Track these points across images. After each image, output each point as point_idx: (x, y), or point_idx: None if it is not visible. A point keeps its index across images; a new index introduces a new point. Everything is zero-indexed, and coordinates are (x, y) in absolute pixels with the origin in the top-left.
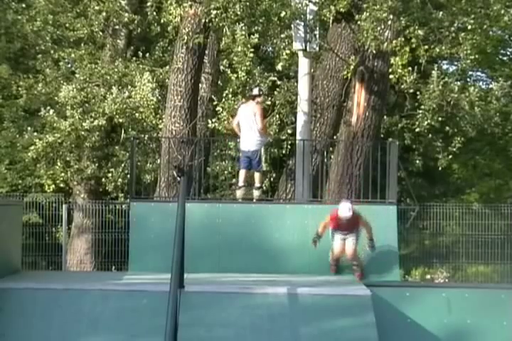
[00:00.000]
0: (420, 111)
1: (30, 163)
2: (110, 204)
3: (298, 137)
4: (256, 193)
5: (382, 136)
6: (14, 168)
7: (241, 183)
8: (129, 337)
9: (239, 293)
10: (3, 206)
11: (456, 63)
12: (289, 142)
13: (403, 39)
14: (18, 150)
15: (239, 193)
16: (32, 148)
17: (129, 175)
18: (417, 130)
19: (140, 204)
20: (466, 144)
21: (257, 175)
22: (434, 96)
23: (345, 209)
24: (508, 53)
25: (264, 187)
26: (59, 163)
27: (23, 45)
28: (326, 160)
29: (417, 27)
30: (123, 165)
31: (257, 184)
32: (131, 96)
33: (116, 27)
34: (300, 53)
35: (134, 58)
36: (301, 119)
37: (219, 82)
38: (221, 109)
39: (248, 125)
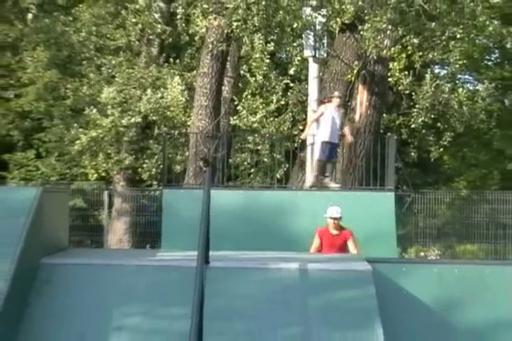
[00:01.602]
0: (415, 110)
1: (76, 155)
2: (145, 190)
3: (308, 132)
4: (327, 180)
5: (381, 131)
6: (62, 160)
7: (328, 173)
8: (160, 306)
9: (256, 268)
10: (53, 192)
11: (446, 67)
12: (300, 136)
13: (400, 46)
14: (65, 144)
15: (316, 182)
16: (78, 142)
17: (161, 166)
18: (413, 126)
19: (171, 190)
20: (455, 138)
21: (329, 165)
22: (427, 96)
23: (333, 211)
24: (492, 59)
25: (278, 176)
26: (101, 155)
27: (70, 53)
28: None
29: (412, 36)
30: (156, 157)
31: (328, 173)
32: (163, 97)
33: (151, 37)
34: (310, 59)
35: (166, 64)
36: (311, 117)
37: (239, 84)
38: (241, 108)
39: (334, 122)
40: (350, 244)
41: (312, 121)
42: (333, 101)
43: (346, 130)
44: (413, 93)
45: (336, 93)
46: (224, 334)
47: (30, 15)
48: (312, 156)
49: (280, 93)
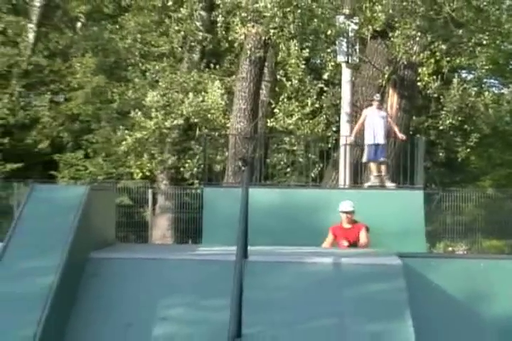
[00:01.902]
0: (443, 112)
1: (122, 155)
2: (187, 189)
3: (341, 133)
4: (378, 180)
5: (411, 132)
6: (109, 160)
7: (375, 173)
8: (201, 298)
9: (292, 262)
10: (100, 190)
11: (473, 72)
12: (334, 138)
13: (429, 52)
14: (112, 145)
15: (372, 182)
16: (123, 143)
17: (202, 165)
18: (441, 128)
19: (211, 189)
20: (482, 139)
21: (381, 165)
22: (454, 99)
23: (346, 205)
24: None
25: (313, 175)
26: (145, 155)
27: (116, 59)
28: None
29: (440, 42)
30: (197, 157)
31: (384, 172)
32: (204, 101)
33: (192, 44)
34: (343, 64)
35: (207, 69)
36: (343, 119)
37: (276, 88)
38: (278, 111)
39: (376, 124)
40: (362, 233)
41: (358, 125)
42: (373, 105)
43: (395, 129)
44: (441, 96)
45: (375, 96)
46: (262, 324)
47: (79, 24)
48: (345, 156)
49: (315, 96)
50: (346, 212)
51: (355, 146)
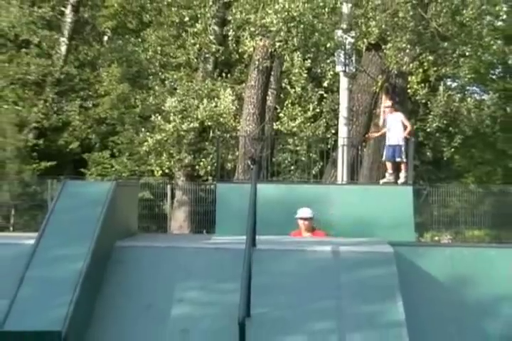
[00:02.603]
0: (430, 116)
1: (144, 154)
2: (202, 184)
3: (339, 135)
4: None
5: None
6: (132, 159)
7: (390, 171)
8: (214, 282)
9: (295, 250)
10: (124, 186)
11: (457, 80)
12: (333, 139)
13: (418, 63)
14: (135, 145)
15: (387, 179)
16: (145, 143)
17: (215, 164)
18: (428, 130)
19: (224, 185)
20: (465, 140)
21: (396, 165)
22: (440, 105)
23: (304, 211)
24: (496, 73)
25: (314, 173)
26: (165, 155)
27: (138, 69)
28: (359, 152)
29: (428, 54)
30: (211, 156)
31: (402, 173)
32: (217, 106)
33: (207, 55)
34: (341, 73)
35: (219, 78)
36: (341, 122)
37: (281, 95)
38: (283, 115)
39: (393, 127)
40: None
41: (381, 128)
42: (387, 110)
43: (408, 128)
44: (428, 102)
45: (386, 103)
46: (268, 306)
47: (106, 38)
48: (343, 156)
49: (315, 102)
50: (304, 219)
51: (352, 147)
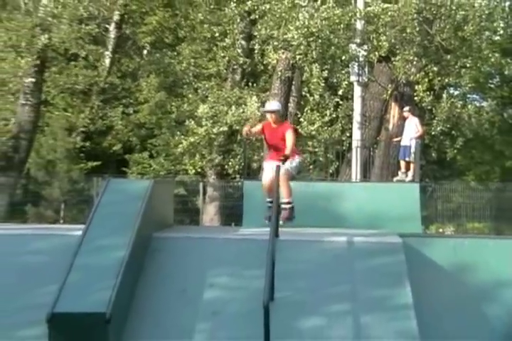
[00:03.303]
0: (435, 121)
1: (179, 155)
2: (230, 182)
3: (353, 138)
4: (403, 176)
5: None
6: (168, 159)
7: (403, 170)
8: (241, 269)
9: (314, 240)
10: (161, 183)
11: (459, 89)
12: (348, 141)
13: (423, 73)
14: (171, 147)
15: (400, 177)
16: (180, 145)
17: (242, 163)
18: (433, 133)
19: (250, 182)
20: (466, 142)
21: (408, 164)
22: (444, 111)
23: (269, 105)
24: (494, 82)
25: (330, 171)
26: (197, 156)
27: (174, 79)
28: (371, 153)
29: (432, 65)
30: (238, 157)
31: (410, 170)
32: (244, 112)
33: (235, 67)
34: (355, 83)
35: (246, 87)
36: (355, 127)
37: (301, 102)
38: (303, 120)
39: (406, 130)
40: (287, 134)
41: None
42: (405, 115)
43: (419, 131)
44: (433, 108)
45: (404, 109)
46: (289, 290)
47: (145, 51)
48: (356, 157)
49: (332, 108)
50: (271, 112)
51: (364, 148)
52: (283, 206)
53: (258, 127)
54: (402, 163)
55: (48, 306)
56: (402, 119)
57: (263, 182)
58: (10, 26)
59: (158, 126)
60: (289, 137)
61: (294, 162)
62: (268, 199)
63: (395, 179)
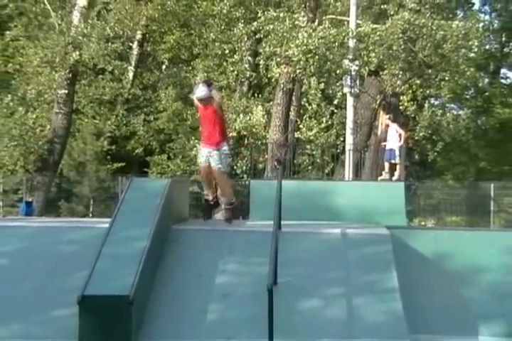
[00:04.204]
0: (418, 127)
1: (193, 157)
2: (238, 181)
3: (346, 142)
4: (395, 177)
5: None
6: (184, 160)
7: (386, 170)
8: (248, 257)
9: (312, 232)
10: (178, 182)
11: (439, 99)
12: (342, 145)
13: (408, 85)
14: (186, 150)
15: (383, 177)
16: (194, 149)
17: (249, 165)
18: (416, 138)
19: (256, 181)
20: (445, 146)
21: (392, 165)
22: (426, 118)
23: (198, 91)
24: (469, 94)
25: (326, 172)
26: None
27: (189, 90)
28: (362, 155)
29: (416, 78)
30: (246, 159)
31: (396, 172)
32: (250, 119)
33: (242, 79)
34: (348, 94)
35: (252, 97)
36: (348, 132)
37: (301, 111)
38: (302, 126)
39: (390, 135)
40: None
41: (381, 137)
42: (388, 122)
43: (402, 136)
44: (416, 116)
45: (387, 117)
46: (291, 275)
47: (164, 66)
48: (349, 159)
49: (328, 116)
50: (199, 100)
51: (356, 151)
52: (224, 206)
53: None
54: (386, 164)
55: (79, 289)
56: (388, 126)
57: (201, 169)
58: (46, 44)
59: (176, 132)
60: (216, 120)
61: (222, 155)
62: (205, 192)
63: (379, 178)
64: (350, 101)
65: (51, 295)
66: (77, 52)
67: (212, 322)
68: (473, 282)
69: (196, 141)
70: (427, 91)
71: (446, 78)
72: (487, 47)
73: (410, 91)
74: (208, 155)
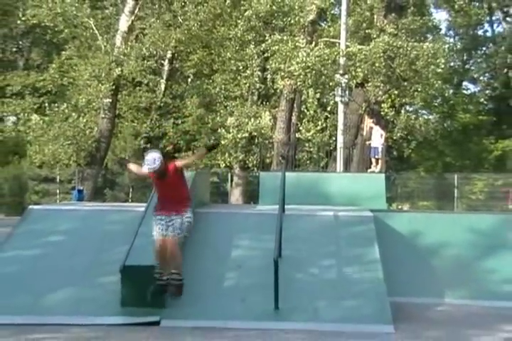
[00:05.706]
0: (396, 129)
1: (214, 154)
2: (250, 173)
3: (338, 141)
4: (373, 169)
5: None
6: (206, 156)
7: (374, 164)
8: (258, 234)
9: (309, 214)
10: (201, 173)
11: (413, 106)
12: (334, 144)
13: (387, 95)
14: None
15: (372, 169)
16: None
17: (258, 160)
18: (394, 138)
19: (264, 173)
20: (418, 144)
21: (376, 160)
22: (402, 122)
23: (150, 162)
24: (438, 102)
25: (321, 165)
26: (226, 154)
27: (210, 99)
28: (351, 152)
29: (394, 89)
30: (256, 155)
31: (378, 165)
32: (260, 123)
33: (253, 90)
34: (339, 102)
35: (261, 105)
36: (339, 133)
37: (301, 116)
38: (302, 128)
39: (374, 134)
40: (182, 162)
41: (366, 137)
42: (372, 124)
43: (383, 137)
44: (394, 120)
45: (371, 120)
46: (293, 250)
47: (189, 79)
48: (340, 155)
49: (323, 120)
50: (153, 171)
51: (345, 149)
52: (172, 280)
53: (142, 170)
54: (373, 160)
55: (121, 261)
56: (372, 128)
57: (156, 243)
58: (94, 62)
59: (199, 133)
60: (182, 184)
61: (185, 223)
62: (157, 271)
63: (369, 170)
64: (340, 107)
65: (99, 265)
66: (119, 69)
67: (229, 287)
68: (441, 255)
69: (216, 140)
70: (403, 100)
71: (419, 89)
72: (452, 64)
73: (390, 99)
74: (167, 224)
